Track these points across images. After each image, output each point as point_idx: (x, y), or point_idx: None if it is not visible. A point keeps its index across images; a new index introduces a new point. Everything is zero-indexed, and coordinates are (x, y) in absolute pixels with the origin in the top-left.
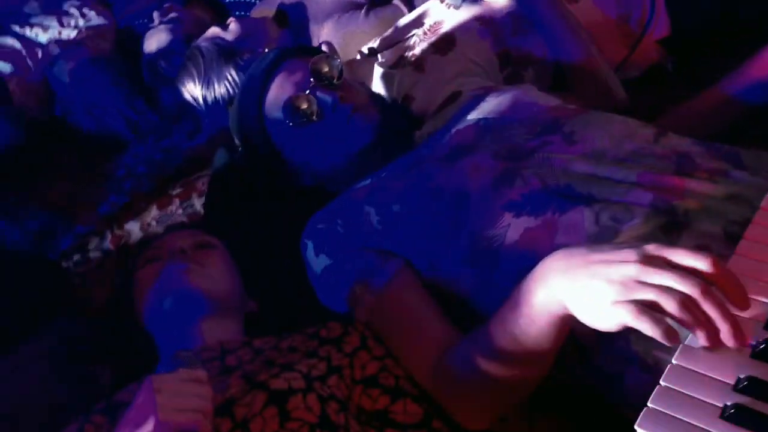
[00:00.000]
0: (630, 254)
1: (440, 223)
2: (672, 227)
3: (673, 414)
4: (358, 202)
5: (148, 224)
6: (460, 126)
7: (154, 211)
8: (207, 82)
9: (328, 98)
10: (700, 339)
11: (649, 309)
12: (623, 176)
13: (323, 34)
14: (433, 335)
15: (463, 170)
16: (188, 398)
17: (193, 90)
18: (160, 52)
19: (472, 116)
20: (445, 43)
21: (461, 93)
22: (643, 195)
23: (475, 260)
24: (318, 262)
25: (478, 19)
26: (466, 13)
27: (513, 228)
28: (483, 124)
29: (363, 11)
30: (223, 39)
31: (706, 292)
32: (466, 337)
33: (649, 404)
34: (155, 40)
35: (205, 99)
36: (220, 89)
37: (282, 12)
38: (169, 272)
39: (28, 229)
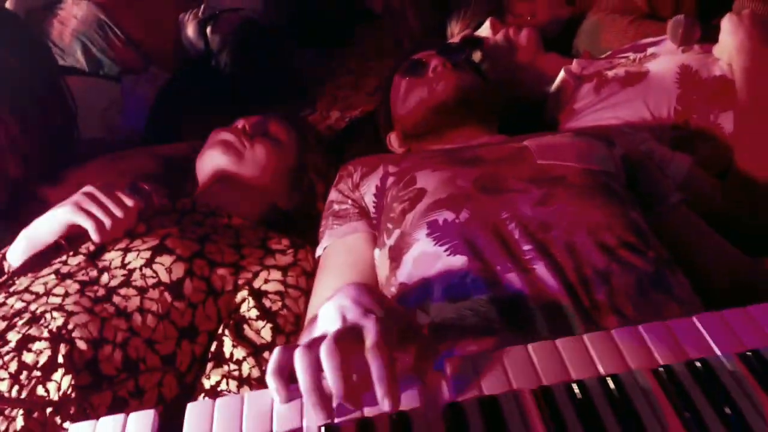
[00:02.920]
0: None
1: (395, 208)
2: (504, 322)
3: None
4: (379, 164)
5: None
6: (510, 143)
7: None
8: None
9: (434, 63)
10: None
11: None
12: (531, 257)
13: None
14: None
15: (444, 175)
16: (101, 209)
17: (454, 27)
18: None
19: (528, 142)
20: (634, 77)
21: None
22: (515, 281)
23: (392, 255)
24: (332, 193)
25: (683, 69)
26: (677, 57)
27: (419, 244)
28: (517, 150)
29: None
30: None
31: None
32: None
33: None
34: None
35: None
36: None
37: None
38: (215, 136)
39: (273, 81)
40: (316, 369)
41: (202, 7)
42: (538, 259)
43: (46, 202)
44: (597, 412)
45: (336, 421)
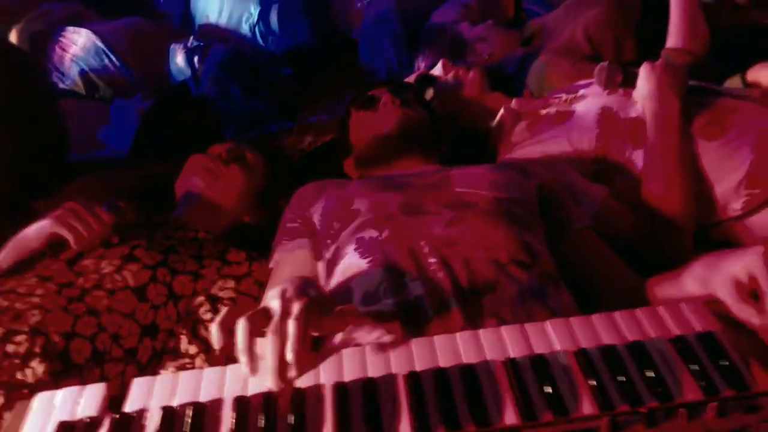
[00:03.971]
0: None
1: (334, 226)
2: (404, 321)
3: None
4: (327, 188)
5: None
6: (440, 172)
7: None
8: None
9: (384, 98)
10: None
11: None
12: (434, 268)
13: None
14: None
15: (375, 199)
16: (79, 222)
17: (420, 62)
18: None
19: (453, 171)
20: (561, 116)
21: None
22: (418, 288)
23: (328, 266)
24: (286, 212)
25: (603, 110)
26: (601, 98)
27: (348, 257)
28: (441, 179)
29: None
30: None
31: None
32: None
33: None
34: None
35: None
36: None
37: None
38: (194, 160)
39: (255, 108)
40: (252, 333)
41: (191, 37)
42: (439, 270)
43: (38, 214)
44: (452, 394)
45: (248, 393)
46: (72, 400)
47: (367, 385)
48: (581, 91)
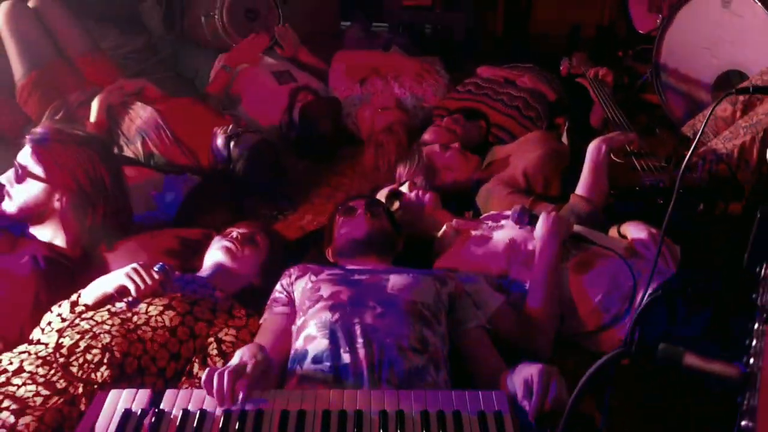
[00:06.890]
0: None
1: (305, 303)
2: (333, 379)
3: None
4: (307, 272)
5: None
6: (384, 273)
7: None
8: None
9: (360, 210)
10: None
11: None
12: (359, 346)
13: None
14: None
15: (335, 290)
16: (139, 278)
17: (401, 169)
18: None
19: (392, 276)
20: (483, 239)
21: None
22: (347, 358)
23: (297, 332)
24: (277, 284)
25: (511, 241)
26: (512, 231)
27: (309, 328)
28: (383, 281)
29: None
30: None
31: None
32: None
33: None
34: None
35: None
36: None
37: None
38: (218, 241)
39: (271, 187)
40: (221, 383)
41: (231, 125)
42: (362, 348)
43: (103, 261)
44: (345, 425)
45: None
46: (131, 397)
47: (301, 413)
48: (502, 221)
